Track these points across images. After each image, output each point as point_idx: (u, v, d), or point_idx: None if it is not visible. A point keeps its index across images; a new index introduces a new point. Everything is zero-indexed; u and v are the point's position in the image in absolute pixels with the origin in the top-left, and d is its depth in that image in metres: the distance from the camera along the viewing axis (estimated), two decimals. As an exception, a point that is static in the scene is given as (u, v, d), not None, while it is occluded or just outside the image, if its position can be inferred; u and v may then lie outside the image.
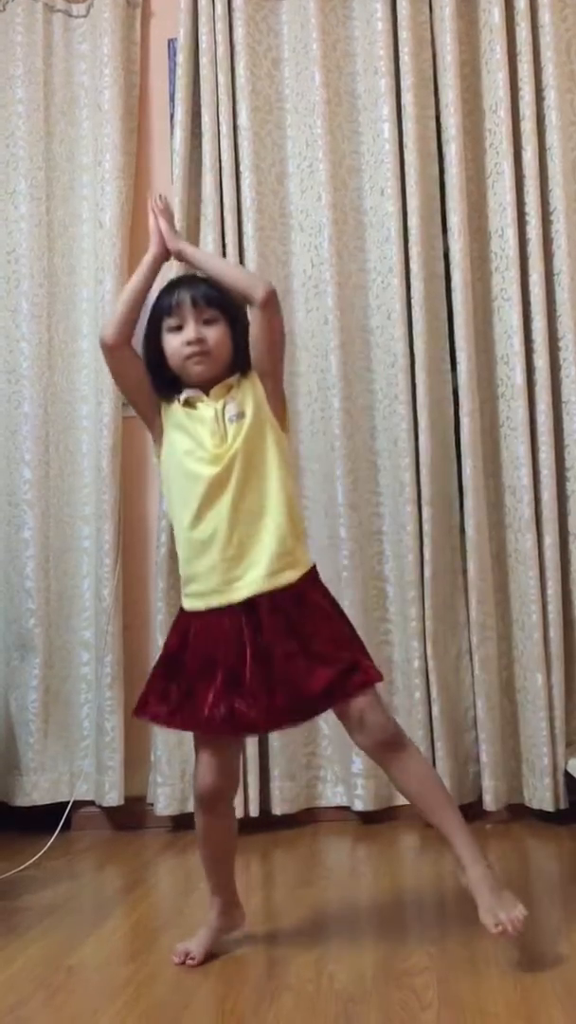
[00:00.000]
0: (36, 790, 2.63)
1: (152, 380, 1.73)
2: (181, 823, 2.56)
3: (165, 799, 2.56)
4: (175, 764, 2.58)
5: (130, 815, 2.63)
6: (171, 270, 2.14)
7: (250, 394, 1.71)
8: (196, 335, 1.67)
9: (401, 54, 2.59)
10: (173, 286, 1.73)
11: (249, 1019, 1.47)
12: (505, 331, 2.54)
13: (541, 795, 2.41)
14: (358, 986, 1.55)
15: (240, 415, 1.68)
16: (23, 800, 2.63)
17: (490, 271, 2.59)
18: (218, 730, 1.64)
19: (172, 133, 2.72)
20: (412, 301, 2.56)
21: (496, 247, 2.57)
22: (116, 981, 1.64)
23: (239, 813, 1.85)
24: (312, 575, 1.70)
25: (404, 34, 2.59)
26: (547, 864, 2.24)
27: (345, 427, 2.55)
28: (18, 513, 2.71)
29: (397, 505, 2.55)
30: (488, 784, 2.45)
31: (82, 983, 1.65)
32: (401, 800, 2.38)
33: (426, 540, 2.51)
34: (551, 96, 2.53)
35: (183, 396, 1.72)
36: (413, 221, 2.55)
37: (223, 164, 2.64)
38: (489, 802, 2.44)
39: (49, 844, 2.41)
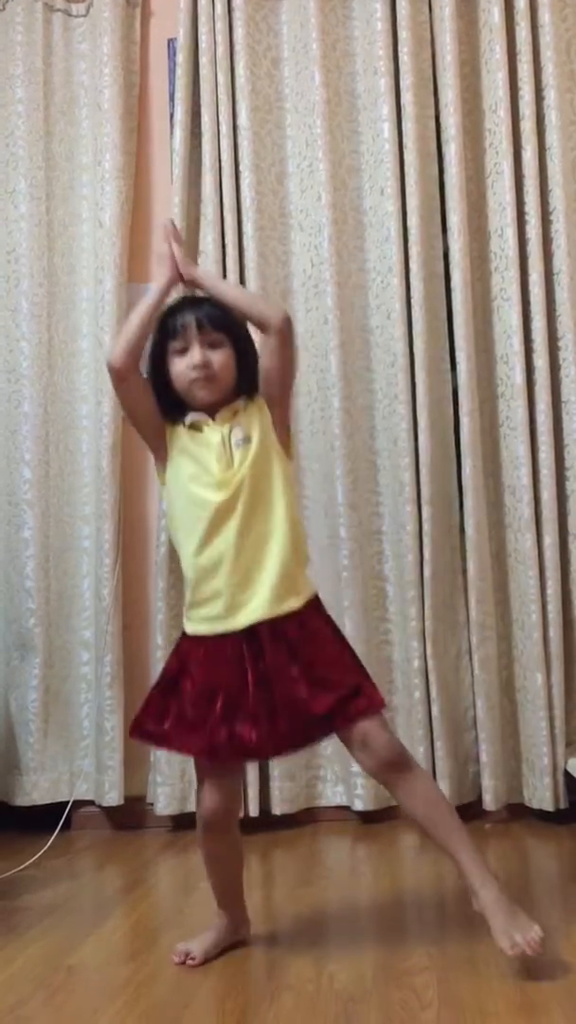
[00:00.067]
0: (36, 790, 2.63)
1: (157, 403, 1.71)
2: (181, 823, 2.56)
3: (165, 799, 2.56)
4: (175, 764, 2.58)
5: (130, 815, 2.63)
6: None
7: (256, 419, 1.69)
8: (201, 359, 1.65)
9: (401, 54, 2.59)
10: (177, 308, 1.70)
11: (249, 1019, 1.47)
12: (505, 331, 2.54)
13: (541, 795, 2.41)
14: (358, 986, 1.55)
15: (246, 440, 1.67)
16: (23, 800, 2.63)
17: (490, 271, 2.59)
18: (219, 757, 1.63)
19: (172, 133, 2.72)
20: (412, 301, 2.56)
21: (496, 247, 2.57)
22: (116, 981, 1.64)
23: (239, 812, 1.84)
24: (315, 602, 1.69)
25: (404, 34, 2.59)
26: (547, 864, 2.24)
27: (345, 427, 2.55)
28: (18, 513, 2.71)
29: (397, 505, 2.55)
30: (488, 784, 2.45)
31: (82, 983, 1.65)
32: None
33: (426, 540, 2.51)
34: (551, 96, 2.53)
35: (188, 420, 1.70)
36: (413, 221, 2.55)
37: (223, 164, 2.64)
38: (489, 802, 2.44)
39: (49, 844, 2.41)
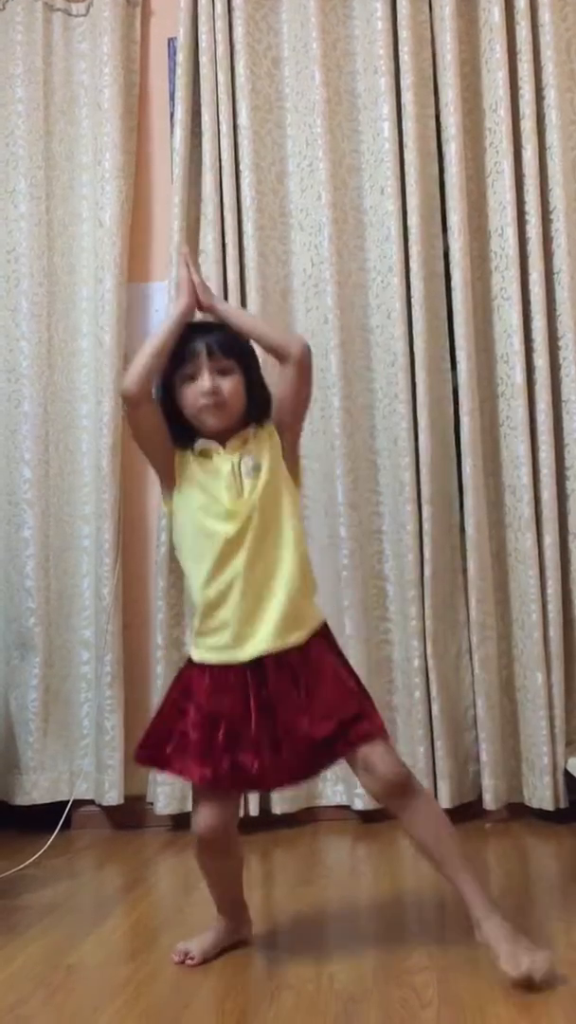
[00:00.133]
0: (36, 789, 2.63)
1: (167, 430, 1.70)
2: (181, 822, 2.55)
3: (165, 798, 2.56)
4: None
5: (130, 814, 2.63)
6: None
7: (266, 446, 1.68)
8: (211, 386, 1.63)
9: (401, 53, 2.59)
10: (187, 334, 1.67)
11: (249, 1018, 1.47)
12: (505, 330, 2.54)
13: (541, 794, 2.41)
14: (358, 985, 1.55)
15: (256, 468, 1.65)
16: (23, 799, 2.63)
17: (490, 270, 2.59)
18: (221, 785, 1.63)
19: (172, 132, 2.72)
20: (412, 300, 2.56)
21: (496, 246, 2.57)
22: (116, 980, 1.64)
23: (239, 812, 1.84)
24: (322, 630, 1.68)
25: (404, 33, 2.59)
26: (547, 863, 2.24)
27: (345, 426, 2.55)
28: (18, 512, 2.70)
29: (397, 504, 2.55)
30: (488, 783, 2.45)
31: (82, 982, 1.65)
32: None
33: (426, 539, 2.51)
34: (551, 95, 2.53)
35: (198, 447, 1.69)
36: (413, 220, 2.55)
37: (223, 163, 2.64)
38: (489, 801, 2.44)
39: (49, 843, 2.41)
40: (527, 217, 2.52)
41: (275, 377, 1.72)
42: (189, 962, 1.67)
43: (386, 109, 2.59)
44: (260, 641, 1.62)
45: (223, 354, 1.65)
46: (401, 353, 2.54)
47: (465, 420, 2.51)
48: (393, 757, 1.59)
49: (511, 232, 2.52)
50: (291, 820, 2.53)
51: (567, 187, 2.52)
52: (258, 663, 1.61)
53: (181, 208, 2.66)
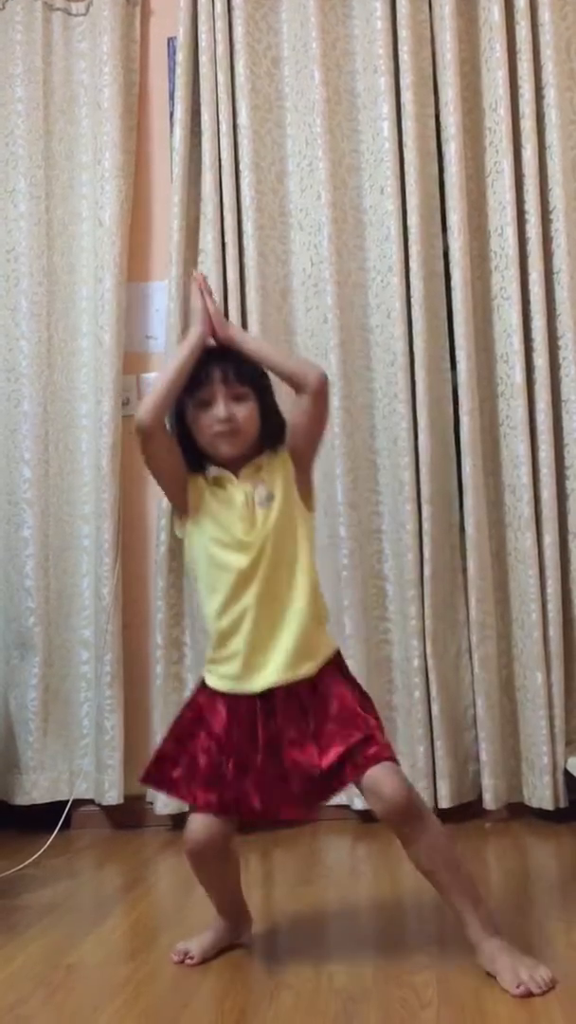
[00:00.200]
0: (36, 789, 2.63)
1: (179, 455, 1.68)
2: (181, 822, 2.53)
3: (164, 798, 2.56)
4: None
5: (130, 814, 2.63)
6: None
7: (280, 474, 1.66)
8: (226, 413, 1.62)
9: (401, 52, 2.59)
10: (202, 359, 1.64)
11: (249, 1018, 1.47)
12: (505, 330, 2.54)
13: (541, 794, 2.41)
14: (358, 984, 1.55)
15: (270, 498, 1.64)
16: (23, 799, 2.63)
17: (490, 270, 2.59)
18: (227, 814, 1.62)
19: (172, 131, 2.72)
20: (412, 300, 2.56)
21: (496, 246, 2.57)
22: (115, 979, 1.64)
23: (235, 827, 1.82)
24: (334, 659, 1.66)
25: (404, 32, 2.59)
26: (546, 862, 2.24)
27: (345, 426, 2.55)
28: (17, 512, 2.70)
29: (396, 504, 2.55)
30: (488, 783, 2.45)
31: (82, 981, 1.65)
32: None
33: (426, 539, 2.51)
34: (551, 94, 2.53)
35: (211, 475, 1.68)
36: (413, 219, 2.55)
37: (223, 162, 2.64)
38: (489, 801, 2.44)
39: (49, 843, 2.41)
40: (527, 217, 2.52)
41: (289, 403, 1.69)
42: (188, 962, 1.67)
43: (386, 108, 2.59)
44: (270, 673, 1.61)
45: (238, 381, 1.63)
46: (401, 353, 2.54)
47: (465, 420, 2.51)
48: (400, 780, 1.55)
49: (511, 232, 2.52)
50: (291, 820, 2.53)
51: (567, 186, 2.52)
52: (268, 693, 1.61)
53: (181, 207, 2.66)
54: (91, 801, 2.64)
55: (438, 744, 2.45)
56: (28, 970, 1.70)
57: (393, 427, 2.56)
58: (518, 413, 2.49)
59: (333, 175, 2.62)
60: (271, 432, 1.68)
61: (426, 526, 2.51)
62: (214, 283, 2.62)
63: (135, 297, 2.79)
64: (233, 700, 1.63)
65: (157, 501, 2.67)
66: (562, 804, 2.41)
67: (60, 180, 2.81)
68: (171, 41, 2.80)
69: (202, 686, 1.70)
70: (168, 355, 2.66)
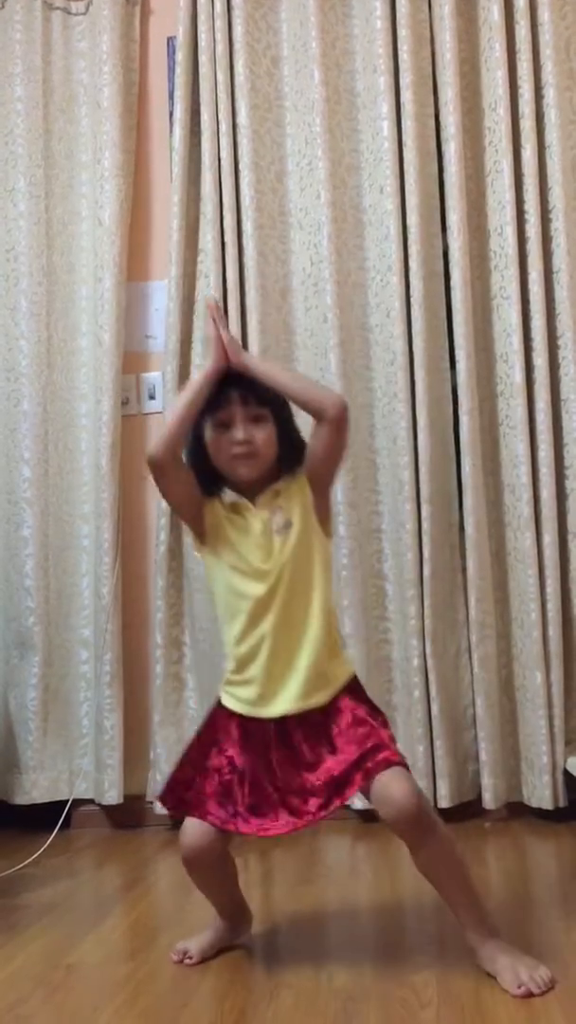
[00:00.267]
0: (35, 788, 2.64)
1: (195, 474, 1.66)
2: (180, 822, 2.55)
3: (164, 797, 2.56)
4: (174, 762, 2.58)
5: (129, 813, 2.63)
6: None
7: (297, 499, 1.64)
8: (244, 436, 1.60)
9: (400, 52, 2.59)
10: (221, 379, 1.62)
11: (248, 1017, 1.47)
12: (504, 329, 2.54)
13: (540, 793, 2.41)
14: (357, 984, 1.55)
15: (287, 525, 1.62)
16: (22, 798, 2.63)
17: (489, 269, 2.59)
18: (228, 829, 1.62)
19: (171, 131, 2.72)
20: (411, 299, 2.56)
21: (495, 245, 2.57)
22: (115, 979, 1.64)
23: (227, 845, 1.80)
24: (349, 685, 1.64)
25: (403, 32, 2.58)
26: (546, 862, 2.24)
27: (344, 425, 2.55)
28: (17, 511, 2.70)
29: (396, 503, 2.55)
30: (487, 782, 2.45)
31: (81, 981, 1.65)
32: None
33: (425, 538, 2.51)
34: (550, 94, 2.53)
35: (228, 501, 1.66)
36: (412, 219, 2.55)
37: (222, 162, 2.64)
38: (488, 800, 2.44)
39: (48, 842, 2.41)
40: (526, 216, 2.52)
41: (308, 424, 1.66)
42: (188, 961, 1.67)
43: (385, 108, 2.59)
44: (284, 701, 1.60)
45: (257, 402, 1.61)
46: (400, 352, 2.54)
47: (464, 419, 2.51)
48: (411, 785, 1.53)
49: (510, 231, 2.52)
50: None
51: (566, 186, 2.52)
52: (282, 718, 1.61)
53: (180, 207, 2.66)
54: (91, 801, 2.65)
55: (438, 743, 2.45)
56: (28, 969, 1.70)
57: (393, 426, 2.56)
58: (518, 413, 2.49)
59: (333, 174, 2.62)
60: (290, 455, 1.65)
61: (425, 525, 2.51)
62: (214, 282, 2.62)
63: (135, 296, 2.80)
64: (247, 722, 1.63)
65: (157, 501, 2.67)
66: (561, 804, 2.41)
67: (60, 179, 2.81)
68: (171, 40, 2.80)
69: (218, 705, 1.70)
70: (167, 350, 2.67)
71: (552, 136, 2.53)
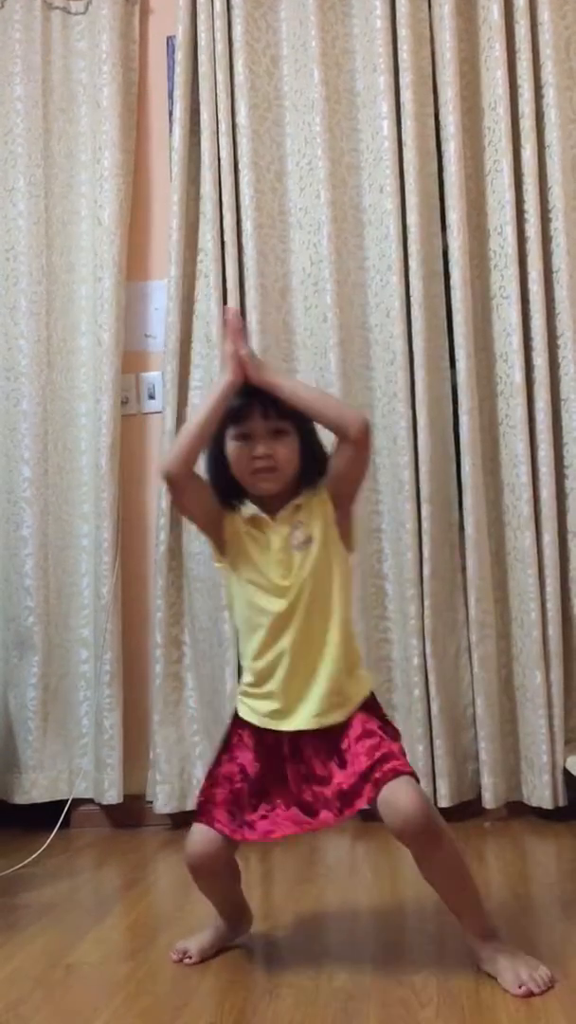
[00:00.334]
0: (35, 788, 2.64)
1: (213, 485, 1.64)
2: (180, 821, 2.55)
3: (164, 797, 2.56)
4: (174, 762, 2.59)
5: (129, 813, 2.63)
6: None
7: (318, 515, 1.61)
8: (265, 451, 1.57)
9: (400, 51, 2.59)
10: (244, 390, 1.58)
11: (248, 1016, 1.47)
12: (504, 329, 2.54)
13: (540, 793, 2.41)
14: (357, 983, 1.54)
15: (307, 540, 1.60)
16: (22, 798, 2.63)
17: (489, 269, 2.59)
18: (236, 838, 1.62)
19: (171, 130, 2.72)
20: (411, 299, 2.56)
21: (495, 245, 2.57)
22: (115, 978, 1.64)
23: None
24: (366, 703, 1.63)
25: (403, 31, 2.58)
26: (546, 861, 2.24)
27: (344, 425, 2.55)
28: (17, 511, 2.70)
29: (396, 503, 2.55)
30: (487, 782, 2.45)
31: (81, 980, 1.65)
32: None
33: (425, 538, 2.51)
34: (550, 94, 2.53)
35: (248, 515, 1.65)
36: (412, 219, 2.55)
37: (222, 161, 2.64)
38: (488, 800, 2.44)
39: (48, 842, 2.41)
40: (526, 216, 2.52)
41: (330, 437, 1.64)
42: (188, 961, 1.67)
43: (385, 107, 2.59)
44: (302, 718, 1.60)
45: (278, 416, 1.58)
46: (400, 352, 2.54)
47: (464, 419, 2.51)
48: (418, 795, 1.51)
49: (510, 231, 2.52)
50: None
51: (566, 186, 2.52)
52: (296, 732, 1.61)
53: (180, 206, 2.66)
54: (90, 800, 2.65)
55: (437, 743, 2.45)
56: (27, 969, 1.70)
57: (392, 426, 2.56)
58: (517, 412, 2.49)
59: (332, 174, 2.62)
60: (312, 469, 1.62)
61: (425, 525, 2.51)
62: (213, 282, 2.62)
63: (134, 296, 2.79)
64: (262, 733, 1.63)
65: (156, 500, 2.67)
66: (561, 803, 2.41)
67: (59, 179, 2.81)
68: (170, 40, 2.80)
69: (234, 714, 1.70)
70: (166, 350, 2.67)
71: (552, 135, 2.53)
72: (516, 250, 2.51)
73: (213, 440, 1.62)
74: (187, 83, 2.69)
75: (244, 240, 2.63)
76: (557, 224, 2.51)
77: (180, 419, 2.66)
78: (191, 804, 2.55)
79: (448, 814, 2.36)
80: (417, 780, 1.55)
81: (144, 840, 2.53)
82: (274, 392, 1.58)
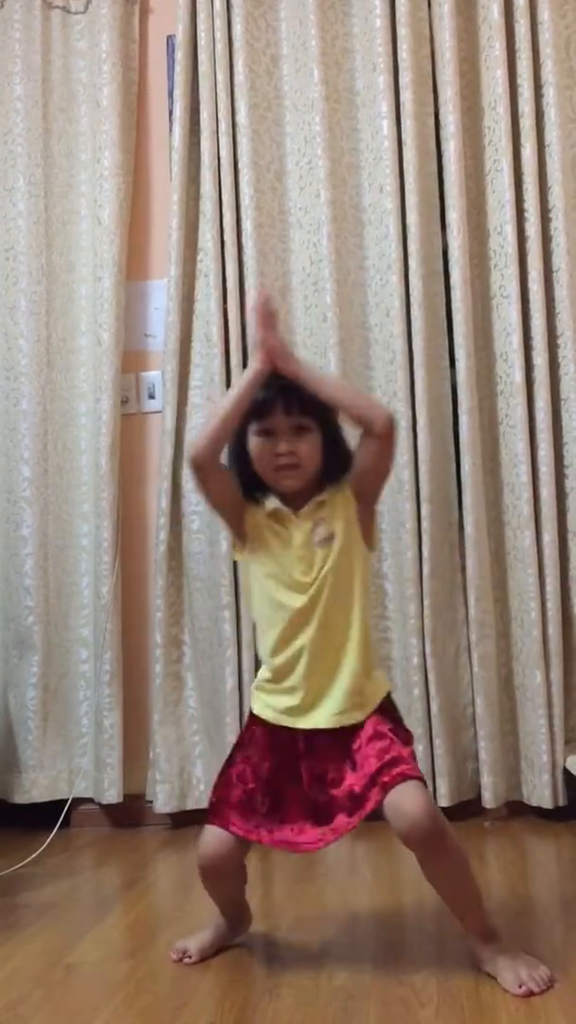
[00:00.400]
0: (35, 787, 2.64)
1: (237, 478, 1.63)
2: (180, 820, 2.56)
3: (164, 796, 2.56)
4: (174, 761, 2.59)
5: (129, 812, 2.63)
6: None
7: (341, 511, 1.60)
8: (287, 448, 1.56)
9: (400, 51, 2.59)
10: (263, 385, 1.57)
11: (248, 1016, 1.47)
12: (504, 328, 2.54)
13: (540, 792, 2.41)
14: (357, 983, 1.54)
15: (329, 538, 1.58)
16: (22, 797, 2.63)
17: (489, 268, 2.59)
18: (250, 839, 1.61)
19: (171, 130, 2.72)
20: (411, 298, 2.56)
21: (495, 244, 2.57)
22: (115, 978, 1.64)
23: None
24: (382, 705, 1.61)
25: (403, 31, 2.58)
26: (545, 861, 2.24)
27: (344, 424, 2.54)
28: (16, 511, 2.70)
29: (396, 502, 2.55)
30: (487, 781, 2.45)
31: (81, 980, 1.65)
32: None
33: (425, 537, 2.50)
34: (550, 93, 2.53)
35: (270, 507, 1.63)
36: (412, 218, 2.55)
37: (222, 161, 2.64)
38: (488, 799, 2.44)
39: (48, 841, 2.41)
40: (526, 215, 2.52)
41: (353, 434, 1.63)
42: (187, 960, 1.67)
43: (385, 107, 2.59)
44: (321, 716, 1.58)
45: (301, 412, 1.57)
46: (400, 351, 2.54)
47: (464, 418, 2.51)
48: (426, 799, 1.50)
49: (510, 230, 2.52)
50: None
51: (566, 185, 2.52)
52: (312, 731, 1.59)
53: (180, 206, 2.66)
54: (90, 800, 2.65)
55: (437, 742, 2.45)
56: (27, 968, 1.70)
57: (392, 426, 2.55)
58: (517, 411, 2.49)
59: (332, 173, 2.62)
60: (335, 466, 1.61)
61: (425, 524, 2.51)
62: (213, 282, 2.62)
63: (134, 295, 2.79)
64: (277, 731, 1.62)
65: (156, 500, 2.67)
66: (561, 802, 2.41)
67: (59, 178, 2.81)
68: (170, 39, 2.80)
69: (249, 715, 1.69)
70: (166, 349, 2.67)
71: (552, 135, 2.53)
72: (516, 249, 2.51)
73: (235, 435, 1.61)
74: (187, 82, 2.69)
75: (244, 239, 2.63)
76: (557, 223, 2.51)
77: (180, 419, 2.66)
78: (191, 804, 2.56)
79: (448, 813, 2.33)
80: (425, 784, 1.55)
81: (144, 840, 2.53)
82: (301, 383, 1.57)
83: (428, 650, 2.48)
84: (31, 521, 2.69)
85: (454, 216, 2.54)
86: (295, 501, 1.62)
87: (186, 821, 2.54)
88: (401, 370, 2.54)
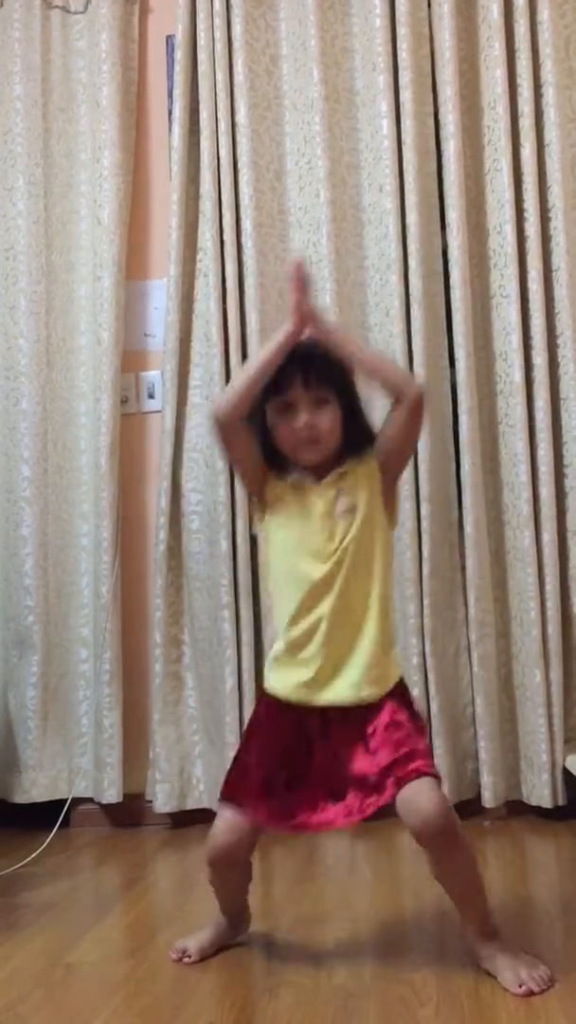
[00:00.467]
0: (35, 787, 2.63)
1: (259, 450, 1.62)
2: (180, 820, 2.56)
3: (164, 796, 2.56)
4: (174, 761, 2.58)
5: (129, 812, 2.63)
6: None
7: (364, 484, 1.60)
8: (307, 421, 1.56)
9: (399, 50, 2.59)
10: (288, 355, 1.55)
11: (248, 1015, 1.47)
12: (504, 328, 2.54)
13: (539, 791, 2.41)
14: (357, 982, 1.54)
15: (351, 510, 1.58)
16: (22, 797, 2.63)
17: (488, 268, 2.59)
18: (271, 828, 1.61)
19: (170, 130, 2.72)
20: (411, 298, 2.56)
21: (495, 244, 2.57)
22: (114, 977, 1.64)
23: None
24: (396, 688, 1.60)
25: (402, 30, 2.58)
26: (545, 860, 2.24)
27: (344, 424, 2.55)
28: (16, 510, 2.70)
29: (396, 502, 2.55)
30: (487, 781, 2.45)
31: (80, 980, 1.65)
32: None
33: (424, 537, 2.51)
34: (549, 93, 2.53)
35: (292, 479, 1.62)
36: (411, 218, 2.55)
37: (221, 161, 2.64)
38: (488, 799, 2.44)
39: (48, 841, 2.41)
40: (526, 215, 2.52)
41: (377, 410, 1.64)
42: (187, 959, 1.67)
43: (384, 106, 2.59)
44: (339, 689, 1.57)
45: (320, 384, 1.56)
46: (400, 351, 2.54)
47: (464, 418, 2.51)
48: (440, 797, 1.49)
49: (510, 230, 2.52)
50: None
51: (565, 185, 2.52)
52: (326, 708, 1.58)
53: (179, 205, 2.66)
54: (90, 799, 2.65)
55: (437, 742, 2.45)
56: (27, 968, 1.70)
57: (392, 425, 2.55)
58: (517, 411, 2.49)
59: (332, 173, 2.62)
60: (356, 437, 1.60)
61: (425, 524, 2.51)
62: (213, 281, 2.62)
63: (134, 295, 2.79)
64: (290, 709, 1.60)
65: (156, 500, 2.67)
66: (561, 802, 2.41)
67: (59, 178, 2.81)
68: (170, 39, 2.80)
69: (262, 695, 1.68)
70: (166, 349, 2.67)
71: (551, 135, 2.53)
72: (515, 249, 2.51)
73: (256, 411, 1.60)
74: (186, 82, 2.69)
75: (244, 239, 2.63)
76: (556, 223, 2.51)
77: (180, 418, 2.66)
78: (191, 803, 2.56)
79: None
80: (440, 781, 1.54)
81: (144, 839, 2.53)
82: (334, 348, 1.57)
83: (428, 650, 2.48)
84: (31, 521, 2.69)
85: (454, 216, 2.54)
86: (317, 472, 1.62)
87: (186, 821, 2.54)
88: (401, 370, 2.53)
